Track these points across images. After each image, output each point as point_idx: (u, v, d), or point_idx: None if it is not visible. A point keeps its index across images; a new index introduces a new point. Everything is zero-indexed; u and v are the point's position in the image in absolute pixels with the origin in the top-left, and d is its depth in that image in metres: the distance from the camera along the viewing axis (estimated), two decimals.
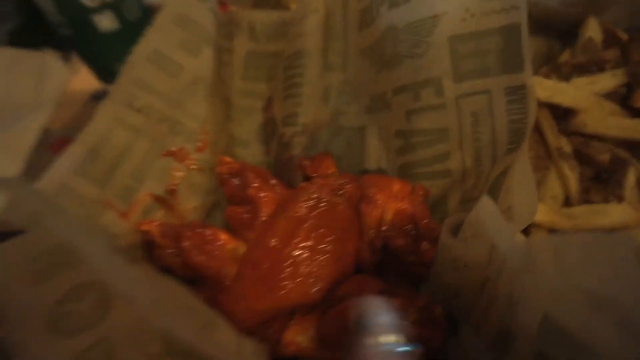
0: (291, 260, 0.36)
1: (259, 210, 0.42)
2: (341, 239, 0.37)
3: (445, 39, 0.39)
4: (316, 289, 0.35)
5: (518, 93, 0.39)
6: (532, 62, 0.51)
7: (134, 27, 0.69)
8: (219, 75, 0.52)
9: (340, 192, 0.38)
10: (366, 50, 0.46)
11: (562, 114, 0.43)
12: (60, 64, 0.74)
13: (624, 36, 0.48)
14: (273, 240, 0.36)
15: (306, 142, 0.48)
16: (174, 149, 0.47)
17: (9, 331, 0.26)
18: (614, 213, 0.35)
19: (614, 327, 0.22)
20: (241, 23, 0.54)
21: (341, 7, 0.49)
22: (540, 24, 0.54)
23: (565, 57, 0.49)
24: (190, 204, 0.47)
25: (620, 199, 0.38)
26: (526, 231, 0.39)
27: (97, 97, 0.79)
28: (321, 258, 0.36)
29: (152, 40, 0.46)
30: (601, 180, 0.41)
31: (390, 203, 0.38)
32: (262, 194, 0.42)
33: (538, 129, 0.43)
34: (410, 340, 0.32)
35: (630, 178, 0.38)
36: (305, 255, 0.36)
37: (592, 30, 0.48)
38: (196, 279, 0.41)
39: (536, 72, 0.48)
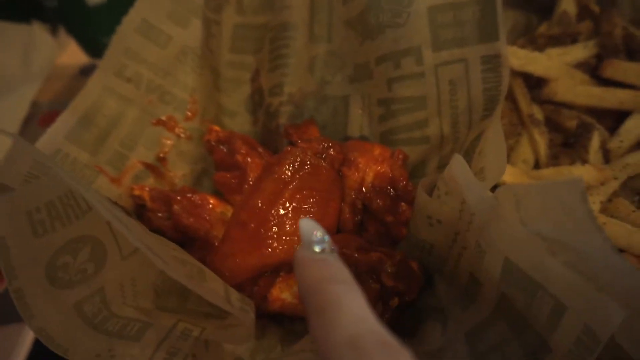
0: (276, 220, 0.38)
1: (246, 174, 0.43)
2: (324, 200, 0.39)
3: (425, 9, 0.41)
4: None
5: (493, 62, 0.41)
6: (511, 33, 0.53)
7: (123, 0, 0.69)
8: (208, 46, 0.53)
9: (324, 155, 0.40)
10: (351, 21, 0.47)
11: (535, 83, 0.45)
12: (48, 38, 0.74)
13: (596, 9, 0.50)
14: (259, 201, 0.38)
15: (292, 111, 0.50)
16: (163, 117, 0.48)
17: (11, 280, 0.28)
18: (577, 173, 0.38)
19: (564, 267, 0.25)
20: None
21: None
22: None
23: (542, 29, 0.51)
24: (179, 171, 0.49)
25: (585, 161, 0.40)
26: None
27: (86, 72, 0.79)
28: (304, 217, 0.38)
29: (140, 10, 0.47)
30: (569, 146, 0.43)
31: (370, 166, 0.40)
32: (249, 160, 0.44)
33: (512, 97, 0.45)
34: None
35: (595, 142, 0.40)
36: (290, 214, 0.38)
37: (567, 3, 0.50)
38: (186, 241, 0.43)
39: (514, 43, 0.50)
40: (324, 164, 0.39)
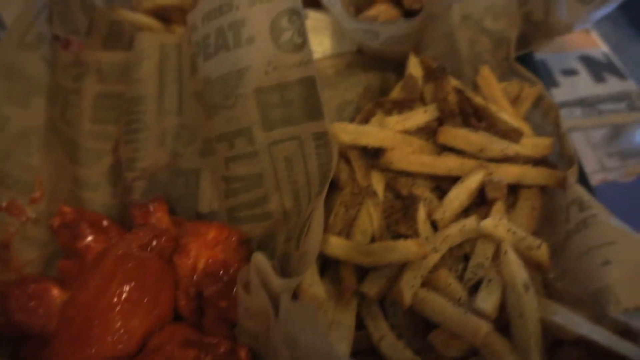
0: (102, 317, 0.37)
1: (85, 263, 0.42)
2: (154, 291, 0.38)
3: (251, 91, 0.42)
4: (128, 343, 0.37)
5: (323, 138, 0.42)
6: (364, 97, 0.55)
7: None
8: (64, 118, 0.52)
9: (153, 244, 0.39)
10: (197, 94, 0.48)
11: (375, 152, 0.47)
12: None
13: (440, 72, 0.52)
14: (84, 296, 0.37)
15: (145, 186, 0.50)
16: (4, 203, 0.46)
17: None
18: (400, 249, 0.39)
19: None
20: (89, 64, 0.54)
21: (176, 52, 0.51)
22: (376, 58, 0.57)
23: (395, 93, 0.53)
24: (26, 257, 0.47)
25: (415, 231, 0.42)
26: (337, 265, 0.42)
27: None
28: (133, 312, 0.37)
29: None
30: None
31: (202, 252, 0.40)
32: (92, 246, 0.43)
33: (352, 168, 0.46)
34: None
35: (421, 213, 0.42)
36: (116, 310, 0.37)
37: (413, 67, 0.52)
38: (22, 335, 0.41)
39: (364, 107, 0.52)
40: (149, 256, 0.39)
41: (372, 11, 0.65)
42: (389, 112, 0.51)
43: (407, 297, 0.38)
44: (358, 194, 0.45)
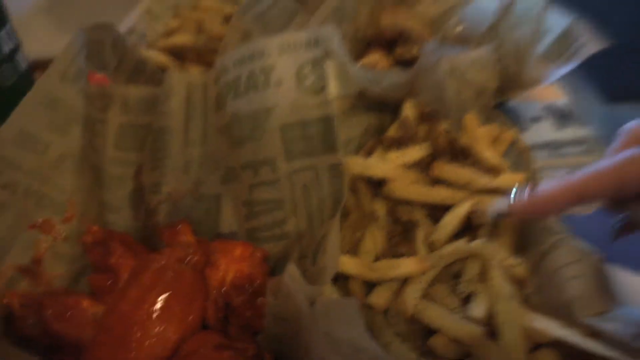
0: (141, 324, 0.41)
1: (119, 277, 0.47)
2: (187, 301, 0.43)
3: (277, 127, 0.48)
4: (164, 348, 0.41)
5: (337, 169, 0.49)
6: (364, 135, 0.62)
7: (8, 91, 0.71)
8: (92, 145, 0.57)
9: (186, 260, 0.44)
10: (221, 128, 0.54)
11: (378, 182, 0.54)
12: None
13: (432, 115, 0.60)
14: (125, 306, 0.42)
15: (169, 209, 0.54)
16: (40, 220, 0.50)
17: None
18: (402, 266, 0.45)
19: None
20: (115, 97, 0.59)
21: (201, 90, 0.57)
22: (375, 102, 0.65)
23: (392, 131, 0.61)
24: (55, 272, 0.51)
25: (415, 252, 0.48)
26: (346, 280, 0.48)
27: None
28: (168, 320, 0.42)
29: (18, 121, 0.50)
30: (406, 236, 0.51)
31: (231, 266, 0.45)
32: (123, 262, 0.47)
33: (358, 196, 0.53)
34: None
35: (419, 236, 0.49)
36: (154, 318, 0.41)
37: (408, 109, 0.60)
38: (59, 346, 0.45)
39: (365, 144, 0.59)
40: (186, 269, 0.43)
41: (370, 59, 0.74)
42: (388, 148, 0.58)
43: (410, 307, 0.44)
44: (363, 219, 0.52)
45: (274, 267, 0.51)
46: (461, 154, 0.57)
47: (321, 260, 0.44)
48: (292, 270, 0.38)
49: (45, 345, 0.44)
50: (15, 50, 0.70)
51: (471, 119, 0.59)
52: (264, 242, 0.50)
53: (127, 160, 0.59)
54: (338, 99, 0.59)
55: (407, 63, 0.77)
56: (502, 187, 0.53)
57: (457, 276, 0.49)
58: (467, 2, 0.79)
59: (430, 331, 0.44)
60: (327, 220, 0.49)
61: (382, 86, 0.59)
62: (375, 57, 0.75)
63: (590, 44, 0.66)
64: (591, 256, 0.44)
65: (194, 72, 0.73)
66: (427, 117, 0.59)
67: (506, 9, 0.68)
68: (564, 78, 0.70)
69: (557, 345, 0.41)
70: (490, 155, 0.56)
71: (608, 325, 0.41)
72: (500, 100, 0.68)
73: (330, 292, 0.44)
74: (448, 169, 0.53)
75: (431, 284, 0.46)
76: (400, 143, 0.58)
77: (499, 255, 0.46)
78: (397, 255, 0.50)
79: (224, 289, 0.44)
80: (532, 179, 0.57)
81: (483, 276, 0.46)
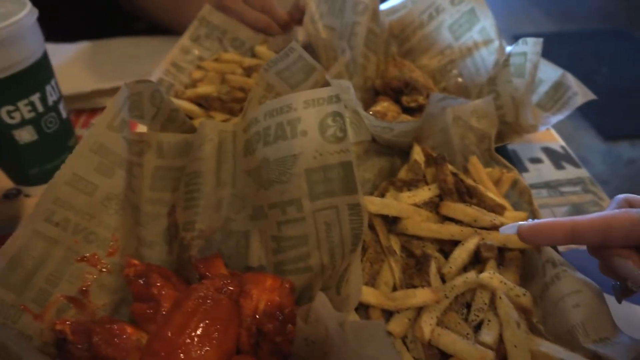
0: (184, 348, 0.45)
1: (160, 305, 0.51)
2: (224, 327, 0.48)
3: (302, 171, 0.54)
4: None
5: (356, 209, 0.54)
6: (378, 177, 0.68)
7: (52, 137, 0.78)
8: (130, 187, 0.62)
9: (224, 289, 0.49)
10: (250, 171, 0.60)
11: (393, 219, 0.59)
12: None
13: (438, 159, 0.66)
14: (169, 332, 0.46)
15: (202, 245, 0.60)
16: (87, 255, 0.55)
17: None
18: (419, 295, 0.50)
19: None
20: (150, 142, 0.66)
21: (231, 137, 0.63)
22: (386, 146, 0.72)
23: (402, 174, 0.67)
24: (100, 302, 0.55)
25: (428, 283, 0.53)
26: (366, 309, 0.53)
27: (9, 196, 0.84)
28: (208, 344, 0.46)
29: (71, 165, 0.56)
30: (420, 269, 0.56)
31: (262, 296, 0.50)
32: (163, 292, 0.52)
33: (375, 232, 0.58)
34: None
35: (433, 268, 0.53)
36: (195, 342, 0.46)
37: (417, 154, 0.67)
38: None
39: (379, 185, 0.65)
40: (223, 298, 0.48)
41: (378, 107, 0.81)
42: (400, 189, 0.64)
43: (427, 333, 0.48)
44: (380, 253, 0.57)
45: (299, 298, 0.56)
46: (467, 194, 0.62)
47: (345, 290, 0.49)
48: (321, 297, 0.43)
49: None
50: (58, 101, 0.77)
51: (475, 162, 0.65)
52: (289, 274, 0.55)
53: (161, 200, 0.65)
54: (354, 144, 0.66)
55: (412, 110, 0.85)
56: (505, 224, 0.58)
57: (468, 305, 0.53)
58: (466, 56, 0.88)
59: (445, 355, 0.48)
60: (347, 255, 0.54)
61: (394, 133, 0.66)
62: (385, 105, 0.82)
63: (581, 94, 0.74)
64: (591, 287, 0.49)
65: (220, 121, 0.80)
66: (435, 160, 0.65)
67: (503, 63, 0.75)
68: (562, 121, 0.76)
69: None
70: (493, 195, 0.62)
71: (609, 351, 0.45)
72: (501, 145, 0.74)
73: (353, 317, 0.48)
74: (455, 208, 0.58)
75: (444, 312, 0.51)
76: (410, 184, 0.64)
77: (505, 286, 0.51)
78: (412, 286, 0.55)
79: (256, 316, 0.49)
80: (534, 217, 0.62)
81: (492, 305, 0.51)
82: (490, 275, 0.52)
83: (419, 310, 0.51)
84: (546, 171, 0.84)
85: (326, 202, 0.54)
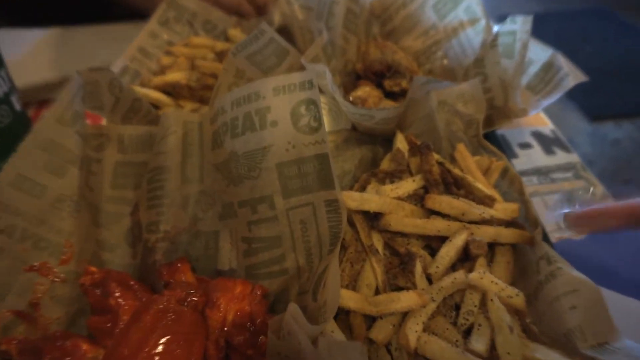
0: None
1: (118, 318, 0.46)
2: (188, 341, 0.43)
3: (273, 165, 0.49)
4: None
5: (333, 205, 0.49)
6: (359, 166, 0.64)
7: (6, 132, 0.71)
8: (87, 185, 0.57)
9: (187, 301, 0.44)
10: (218, 165, 0.54)
11: (374, 215, 0.54)
12: None
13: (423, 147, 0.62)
14: (125, 350, 0.41)
15: (167, 247, 0.54)
16: (36, 264, 0.50)
17: None
18: (403, 299, 0.45)
19: None
20: (111, 136, 0.60)
21: (198, 129, 0.58)
22: (367, 134, 0.67)
23: (385, 164, 0.62)
24: (53, 315, 0.50)
25: (413, 284, 0.49)
26: (347, 314, 0.48)
27: None
28: None
29: (15, 165, 0.50)
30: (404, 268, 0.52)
31: (231, 305, 0.45)
32: (122, 303, 0.47)
33: (356, 229, 0.54)
34: None
35: (418, 268, 0.49)
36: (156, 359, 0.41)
37: (400, 142, 0.62)
38: None
39: (360, 176, 0.60)
40: (186, 310, 0.43)
41: (359, 92, 0.76)
42: (382, 181, 0.59)
43: (412, 341, 0.44)
44: (362, 252, 0.52)
45: (273, 303, 0.51)
46: (454, 185, 0.58)
47: (322, 296, 0.44)
48: (293, 309, 0.38)
49: None
50: (10, 92, 0.71)
51: (462, 150, 0.61)
52: (263, 278, 0.50)
53: (123, 198, 0.59)
54: (333, 133, 0.61)
55: (395, 94, 0.80)
56: (496, 217, 0.54)
57: (457, 306, 0.49)
58: (452, 37, 0.82)
59: None
60: (325, 256, 0.49)
61: (375, 121, 0.61)
62: (366, 90, 0.77)
63: (572, 75, 0.69)
64: (588, 286, 0.45)
65: (189, 111, 0.75)
66: (419, 149, 0.61)
67: (490, 43, 0.70)
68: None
69: None
70: (482, 185, 0.58)
71: (608, 357, 0.41)
72: (490, 130, 0.70)
73: (331, 327, 0.44)
74: (442, 201, 0.54)
75: (431, 316, 0.46)
76: (393, 176, 0.59)
77: (496, 287, 0.47)
78: (396, 288, 0.50)
79: (225, 328, 0.44)
80: (525, 208, 0.58)
81: (483, 307, 0.47)
82: (480, 275, 0.48)
83: (404, 315, 0.46)
84: (536, 157, 0.80)
85: (301, 199, 0.49)
